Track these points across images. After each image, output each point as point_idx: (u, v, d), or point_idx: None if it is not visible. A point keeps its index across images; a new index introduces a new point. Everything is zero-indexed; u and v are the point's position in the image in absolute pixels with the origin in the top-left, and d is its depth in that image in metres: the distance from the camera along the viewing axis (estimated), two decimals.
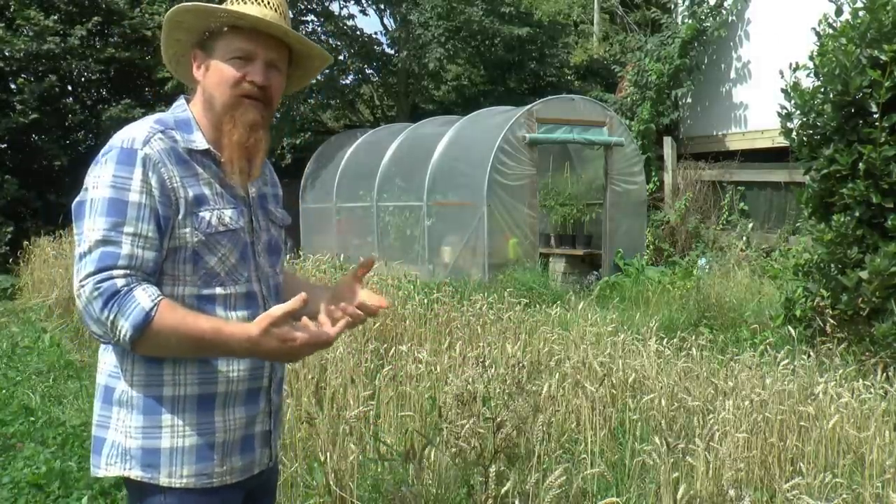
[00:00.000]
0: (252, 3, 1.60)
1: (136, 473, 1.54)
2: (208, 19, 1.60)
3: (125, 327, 1.42)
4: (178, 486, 1.54)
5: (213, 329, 1.45)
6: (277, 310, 1.43)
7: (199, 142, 1.60)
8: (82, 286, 1.44)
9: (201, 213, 1.55)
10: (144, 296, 1.43)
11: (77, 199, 1.53)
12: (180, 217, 1.52)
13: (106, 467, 1.57)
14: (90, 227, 1.47)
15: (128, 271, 1.45)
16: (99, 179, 1.50)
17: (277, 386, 1.72)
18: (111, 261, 1.44)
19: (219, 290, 1.58)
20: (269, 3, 1.61)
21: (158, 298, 1.45)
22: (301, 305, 1.44)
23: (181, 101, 1.67)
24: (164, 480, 1.54)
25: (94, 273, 1.43)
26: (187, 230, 1.53)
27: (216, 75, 1.60)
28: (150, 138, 1.53)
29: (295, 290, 1.84)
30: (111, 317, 1.42)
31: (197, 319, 1.46)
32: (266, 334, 1.42)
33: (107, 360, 1.59)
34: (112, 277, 1.43)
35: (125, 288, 1.43)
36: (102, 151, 1.54)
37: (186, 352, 1.50)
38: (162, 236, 1.50)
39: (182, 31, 1.64)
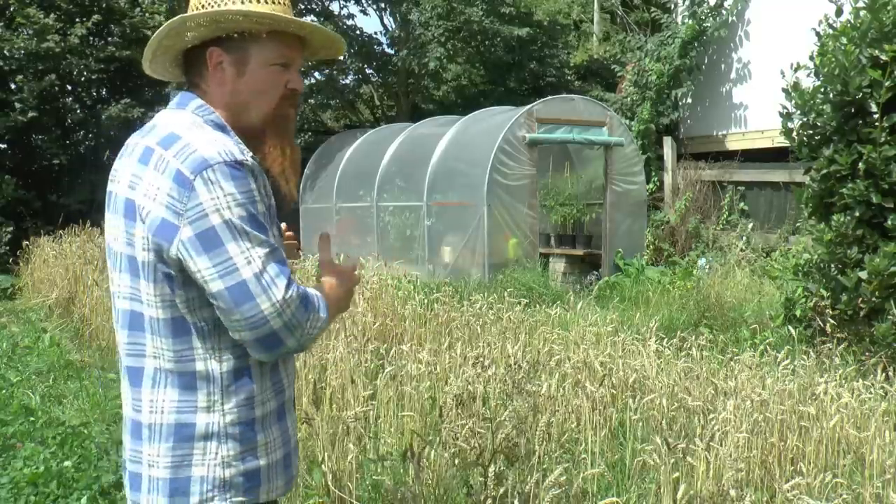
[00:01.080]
0: (268, 2, 1.51)
1: (238, 500, 1.50)
2: (239, 24, 1.49)
3: (321, 318, 1.47)
4: (273, 497, 1.56)
5: (324, 292, 1.55)
6: (334, 274, 1.60)
7: (244, 147, 1.49)
8: (287, 301, 1.39)
9: (277, 222, 1.56)
10: (310, 289, 1.51)
11: (195, 231, 1.38)
12: (272, 224, 1.50)
13: None
14: (246, 246, 1.38)
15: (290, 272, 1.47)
16: (221, 201, 1.38)
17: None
18: (287, 268, 1.44)
19: None
20: (281, 0, 1.54)
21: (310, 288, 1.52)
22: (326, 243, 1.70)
23: (198, 100, 1.53)
24: (262, 497, 1.53)
25: (289, 285, 1.41)
26: (275, 238, 1.52)
27: (256, 82, 1.52)
28: (243, 148, 1.47)
29: None
30: (310, 316, 1.45)
31: (320, 291, 1.55)
32: (341, 274, 1.61)
33: (168, 397, 1.48)
34: (292, 279, 1.43)
35: (302, 287, 1.47)
36: (194, 169, 1.38)
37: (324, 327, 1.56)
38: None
39: (199, 28, 1.50)
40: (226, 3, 1.50)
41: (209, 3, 1.50)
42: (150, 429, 1.49)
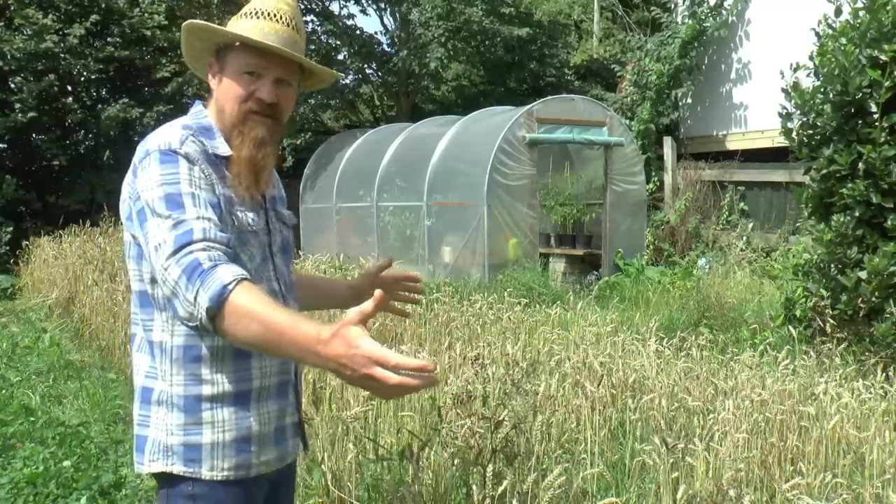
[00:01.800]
0: (265, 17, 1.63)
1: (178, 469, 1.58)
2: (217, 37, 1.66)
3: (204, 300, 1.37)
4: (218, 478, 1.59)
5: (289, 321, 1.35)
6: (351, 312, 1.34)
7: (223, 148, 1.63)
8: (166, 269, 1.42)
9: (236, 212, 1.61)
10: (227, 272, 1.40)
11: (129, 210, 1.56)
12: (221, 214, 1.55)
13: (149, 464, 1.61)
14: (156, 224, 1.48)
15: (206, 244, 1.44)
16: (147, 182, 1.52)
17: (300, 380, 1.80)
18: (187, 238, 1.43)
19: None
20: (280, 17, 1.64)
21: (241, 276, 1.40)
22: (374, 311, 1.36)
23: (199, 106, 1.71)
24: (206, 474, 1.58)
25: (173, 252, 1.42)
26: (227, 227, 1.56)
27: (227, 89, 1.65)
28: (185, 140, 1.57)
29: (312, 287, 2.01)
30: (194, 291, 1.39)
31: (274, 308, 1.39)
32: (334, 337, 1.30)
33: (142, 361, 1.63)
34: (192, 252, 1.42)
35: (208, 262, 1.41)
36: (138, 158, 1.57)
37: (257, 339, 1.39)
38: (222, 221, 1.52)
39: (196, 40, 1.69)
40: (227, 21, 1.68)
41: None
42: (135, 388, 1.66)
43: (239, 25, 1.64)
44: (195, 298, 1.39)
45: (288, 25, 1.64)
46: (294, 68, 1.68)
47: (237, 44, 1.63)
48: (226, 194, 1.59)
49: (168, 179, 1.51)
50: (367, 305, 1.35)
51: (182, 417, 1.58)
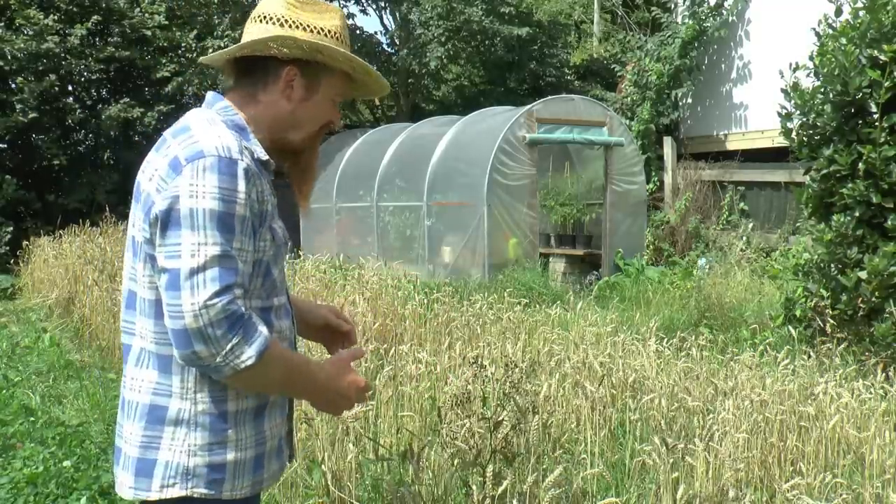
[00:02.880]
0: (343, 43, 1.63)
1: (199, 492, 1.50)
2: (339, 62, 1.63)
3: (248, 353, 1.39)
4: (238, 497, 1.54)
5: (304, 365, 1.53)
6: (347, 353, 1.61)
7: (260, 151, 1.57)
8: (207, 307, 1.36)
9: (275, 225, 1.56)
10: (261, 324, 1.43)
11: (164, 205, 1.43)
12: (263, 229, 1.52)
13: (161, 490, 1.50)
14: (199, 240, 1.39)
15: (243, 290, 1.43)
16: (198, 188, 1.41)
17: None
18: (232, 279, 1.39)
19: (275, 301, 1.59)
20: (346, 41, 1.66)
21: (268, 330, 1.45)
22: (361, 356, 1.63)
23: (224, 101, 1.61)
24: (226, 494, 1.52)
25: (219, 293, 1.37)
26: (266, 242, 1.53)
27: (315, 109, 1.63)
28: (243, 149, 1.50)
29: (299, 308, 1.92)
30: (235, 341, 1.38)
31: (293, 354, 1.54)
32: (345, 373, 1.58)
33: (147, 377, 1.52)
34: (235, 298, 1.39)
35: (247, 313, 1.41)
36: (189, 157, 1.44)
37: (270, 387, 1.53)
38: (260, 240, 1.51)
39: (296, 49, 1.58)
40: (316, 33, 1.60)
41: (306, 27, 1.60)
42: (129, 405, 1.54)
43: (333, 49, 1.60)
44: (233, 347, 1.38)
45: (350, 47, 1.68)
46: None
47: (337, 72, 1.64)
48: (272, 206, 1.56)
49: (225, 195, 1.42)
50: (360, 351, 1.66)
51: (207, 437, 1.50)
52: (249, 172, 1.47)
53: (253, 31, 1.61)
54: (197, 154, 1.44)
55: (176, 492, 1.49)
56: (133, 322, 1.55)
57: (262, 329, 1.42)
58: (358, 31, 16.29)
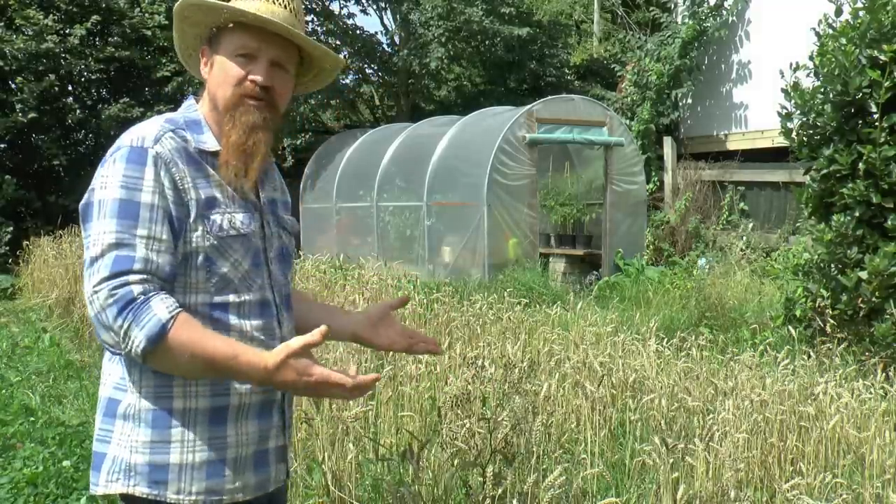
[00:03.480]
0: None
1: (140, 490, 1.46)
2: (213, 15, 1.55)
3: (139, 338, 1.34)
4: (186, 502, 1.47)
5: (230, 354, 1.37)
6: (296, 342, 1.36)
7: (210, 143, 1.54)
8: (96, 292, 1.36)
9: (212, 216, 1.49)
10: (162, 307, 1.36)
11: (84, 200, 1.47)
12: (191, 220, 1.47)
13: (106, 484, 1.48)
14: (100, 229, 1.40)
15: (144, 276, 1.38)
16: (108, 179, 1.44)
17: (290, 399, 1.67)
18: (126, 265, 1.37)
19: (232, 298, 1.51)
20: (280, 0, 1.56)
21: (176, 311, 1.37)
22: (320, 340, 1.36)
23: (191, 100, 1.62)
24: (171, 497, 1.46)
25: (108, 278, 1.36)
26: (198, 233, 1.47)
27: (219, 73, 1.55)
28: (161, 136, 1.48)
29: (311, 313, 1.80)
30: (125, 326, 1.35)
31: (214, 340, 1.38)
32: (283, 366, 1.35)
33: (112, 371, 1.51)
34: (128, 283, 1.36)
35: (142, 296, 1.36)
36: (111, 150, 1.49)
37: (197, 372, 1.42)
38: (176, 239, 1.45)
39: (189, 24, 1.59)
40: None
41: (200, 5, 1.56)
42: (99, 400, 1.54)
43: (235, 5, 1.54)
44: (125, 332, 1.35)
45: (286, 8, 1.55)
46: (292, 53, 1.59)
47: (230, 25, 1.54)
48: (205, 196, 1.49)
49: (129, 183, 1.43)
50: (314, 336, 1.36)
51: (150, 434, 1.46)
52: (160, 159, 1.45)
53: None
54: (116, 148, 1.49)
55: (119, 487, 1.47)
56: None
57: (160, 311, 1.35)
58: (358, 31, 16.28)
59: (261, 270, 1.57)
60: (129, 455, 1.46)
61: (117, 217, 1.40)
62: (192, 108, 1.60)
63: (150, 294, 1.37)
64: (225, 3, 1.54)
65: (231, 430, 1.51)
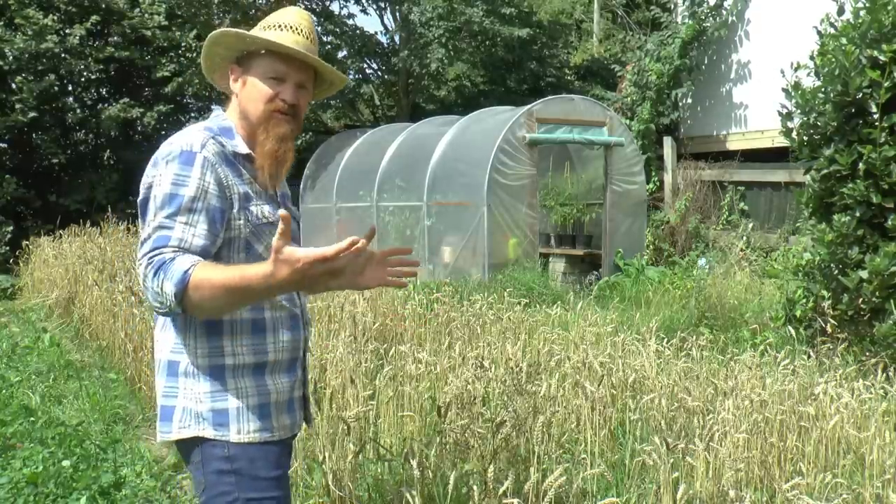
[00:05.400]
0: (288, 30, 1.84)
1: (209, 432, 1.76)
2: (247, 44, 1.86)
3: (169, 288, 1.59)
4: (246, 440, 1.77)
5: (238, 274, 1.61)
6: (275, 240, 1.54)
7: (241, 147, 1.84)
8: (140, 265, 1.65)
9: (251, 208, 1.80)
10: (185, 260, 1.62)
11: (141, 196, 1.76)
12: (235, 210, 1.77)
13: (179, 430, 1.78)
14: (151, 217, 1.69)
15: (176, 248, 1.65)
16: (162, 177, 1.72)
17: (304, 358, 1.98)
18: (164, 242, 1.65)
19: None
20: (301, 30, 1.85)
21: (197, 261, 1.62)
22: (285, 224, 1.54)
23: (218, 110, 1.92)
24: (234, 437, 1.77)
25: (148, 252, 1.65)
26: (241, 222, 1.78)
27: (252, 91, 1.84)
28: (206, 143, 1.76)
29: None
30: (160, 283, 1.60)
31: (224, 269, 1.63)
32: (276, 264, 1.55)
33: (166, 338, 1.82)
34: (162, 253, 1.63)
35: (169, 258, 1.63)
36: (162, 155, 1.75)
37: (224, 302, 1.64)
38: (215, 229, 1.72)
39: (224, 48, 1.89)
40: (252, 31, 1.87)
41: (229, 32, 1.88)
42: (158, 363, 1.85)
43: (266, 36, 1.84)
44: (161, 288, 1.60)
45: (307, 38, 1.86)
46: (310, 73, 1.90)
47: (262, 52, 1.84)
48: (242, 191, 1.80)
49: (178, 180, 1.71)
50: (328, 251, 1.57)
51: (208, 385, 1.77)
52: (207, 162, 1.74)
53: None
54: (167, 153, 1.75)
55: (190, 432, 1.77)
56: None
57: (182, 265, 1.60)
58: (358, 31, 16.28)
59: None
60: (195, 405, 1.78)
61: (165, 207, 1.69)
62: (221, 117, 1.89)
63: (178, 255, 1.64)
64: (262, 36, 1.84)
65: (269, 380, 1.83)
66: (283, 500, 1.84)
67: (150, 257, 1.64)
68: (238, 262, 1.76)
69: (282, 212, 1.56)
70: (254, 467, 1.78)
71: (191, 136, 1.77)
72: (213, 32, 1.87)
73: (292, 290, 1.77)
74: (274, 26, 1.85)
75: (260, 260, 1.73)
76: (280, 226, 1.53)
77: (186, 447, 1.81)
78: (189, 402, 1.78)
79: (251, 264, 1.66)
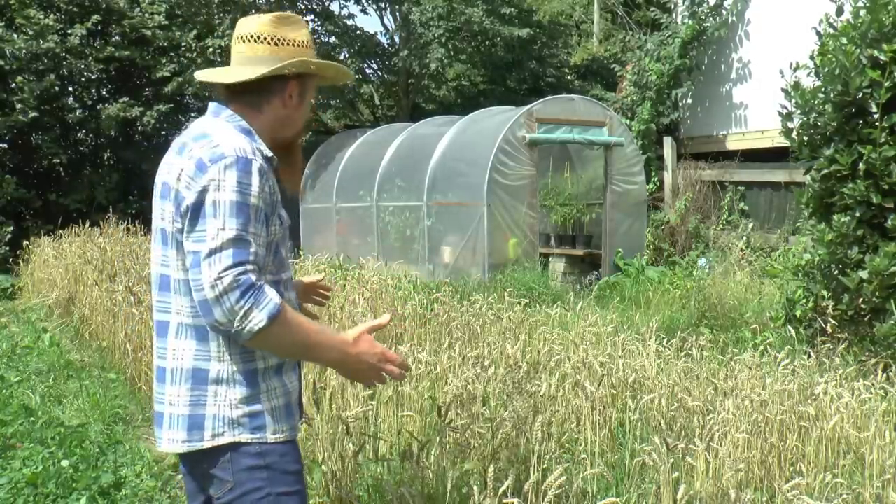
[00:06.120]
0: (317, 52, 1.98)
1: (245, 437, 1.77)
2: (335, 73, 1.99)
3: (259, 318, 1.62)
4: (281, 439, 1.81)
5: (319, 329, 1.73)
6: (367, 325, 1.80)
7: (266, 150, 1.85)
8: (220, 278, 1.61)
9: (282, 212, 1.85)
10: (273, 293, 1.66)
11: (193, 199, 1.69)
12: (274, 216, 1.80)
13: (213, 438, 1.76)
14: (219, 225, 1.65)
15: (256, 266, 1.67)
16: (223, 184, 1.68)
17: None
18: (244, 257, 1.64)
19: (284, 276, 1.87)
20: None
21: (280, 298, 1.67)
22: (386, 323, 1.85)
23: (229, 110, 1.86)
24: (270, 438, 1.79)
25: (231, 267, 1.62)
26: (276, 227, 1.81)
27: (296, 115, 1.92)
28: (255, 149, 1.77)
29: None
30: (246, 307, 1.61)
31: (308, 321, 1.72)
32: (360, 338, 1.74)
33: (187, 346, 1.78)
34: (247, 272, 1.63)
35: (259, 283, 1.64)
36: (211, 158, 1.70)
37: (294, 349, 1.74)
38: (267, 237, 1.77)
39: (305, 68, 1.90)
40: (300, 46, 1.89)
41: (291, 42, 1.89)
42: (173, 373, 1.80)
43: (325, 64, 1.94)
44: (245, 312, 1.62)
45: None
46: None
47: (314, 76, 1.93)
48: (278, 197, 1.83)
49: (242, 189, 1.69)
50: (382, 320, 1.85)
51: (244, 391, 1.77)
52: (262, 170, 1.74)
53: (247, 51, 1.87)
54: (220, 156, 1.71)
55: (225, 439, 1.76)
56: (168, 301, 1.81)
57: (274, 297, 1.65)
58: (358, 31, 16.28)
59: (288, 253, 1.95)
60: (229, 411, 1.77)
61: (235, 217, 1.66)
62: (237, 118, 1.85)
63: (262, 282, 1.66)
64: (339, 66, 2.00)
65: (287, 379, 1.86)
66: (305, 493, 1.90)
67: (237, 275, 1.62)
68: (267, 264, 1.79)
69: (386, 317, 1.80)
70: (284, 462, 1.81)
71: (238, 140, 1.75)
72: (337, 67, 1.99)
73: (349, 365, 1.82)
74: (306, 45, 1.92)
75: (280, 261, 1.85)
76: (383, 321, 1.83)
77: (213, 451, 1.80)
78: (222, 408, 1.77)
79: (329, 328, 1.79)
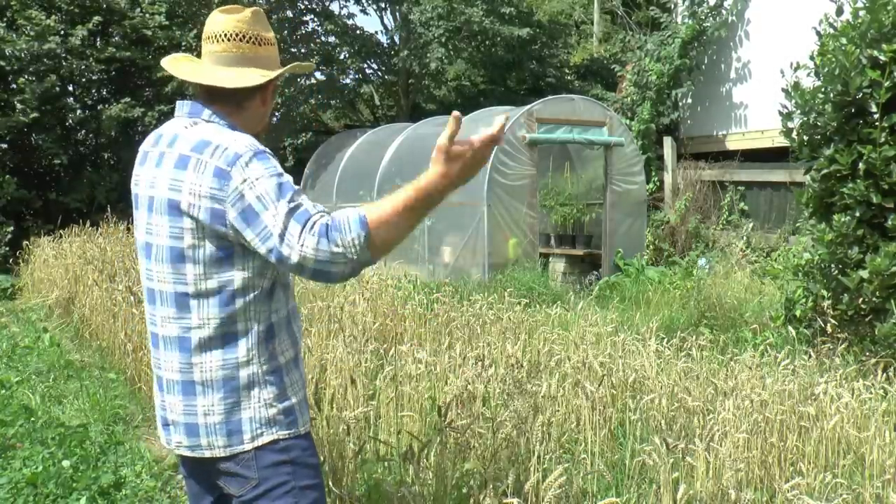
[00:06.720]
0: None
1: (282, 433, 1.82)
2: (300, 71, 2.09)
3: (355, 233, 1.60)
4: (303, 431, 1.87)
5: (413, 190, 1.66)
6: (441, 139, 1.65)
7: None
8: (302, 245, 1.61)
9: None
10: (345, 212, 1.64)
11: (237, 208, 1.68)
12: None
13: (253, 440, 1.80)
14: (273, 212, 1.65)
15: (318, 213, 1.65)
16: (256, 179, 1.69)
17: None
18: (307, 216, 1.64)
19: (291, 305, 1.94)
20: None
21: (356, 206, 1.68)
22: (456, 125, 1.63)
23: (210, 109, 1.86)
24: (302, 429, 1.86)
25: (302, 230, 1.62)
26: None
27: (268, 107, 1.98)
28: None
29: None
30: (337, 241, 1.60)
31: (393, 196, 1.67)
32: (448, 162, 1.66)
33: (210, 358, 1.80)
34: (315, 223, 1.62)
35: (327, 220, 1.63)
36: (227, 161, 1.71)
37: (410, 224, 1.69)
38: None
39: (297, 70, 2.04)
40: (271, 44, 1.95)
41: (266, 41, 1.93)
42: (205, 385, 1.81)
43: (304, 66, 2.10)
44: (343, 242, 1.60)
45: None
46: None
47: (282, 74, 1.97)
48: None
49: (270, 172, 1.70)
50: (449, 128, 1.64)
51: (275, 389, 1.82)
52: (270, 152, 1.79)
53: (231, 49, 1.86)
54: (235, 156, 1.71)
55: (265, 438, 1.80)
56: (189, 317, 1.80)
57: (346, 214, 1.63)
58: (358, 31, 16.28)
59: None
60: (265, 411, 1.81)
61: (281, 196, 1.66)
62: (221, 117, 1.86)
63: (330, 215, 1.65)
64: (311, 65, 2.16)
65: (301, 370, 1.94)
66: (324, 485, 1.94)
67: (308, 231, 1.62)
68: (279, 298, 1.87)
69: (455, 113, 1.63)
70: (305, 455, 1.85)
71: (237, 136, 1.78)
72: (303, 65, 2.07)
73: (464, 181, 1.73)
74: (274, 42, 1.97)
75: (291, 291, 1.91)
76: (452, 125, 1.62)
77: (271, 448, 1.83)
78: (258, 410, 1.81)
79: (416, 179, 1.68)
